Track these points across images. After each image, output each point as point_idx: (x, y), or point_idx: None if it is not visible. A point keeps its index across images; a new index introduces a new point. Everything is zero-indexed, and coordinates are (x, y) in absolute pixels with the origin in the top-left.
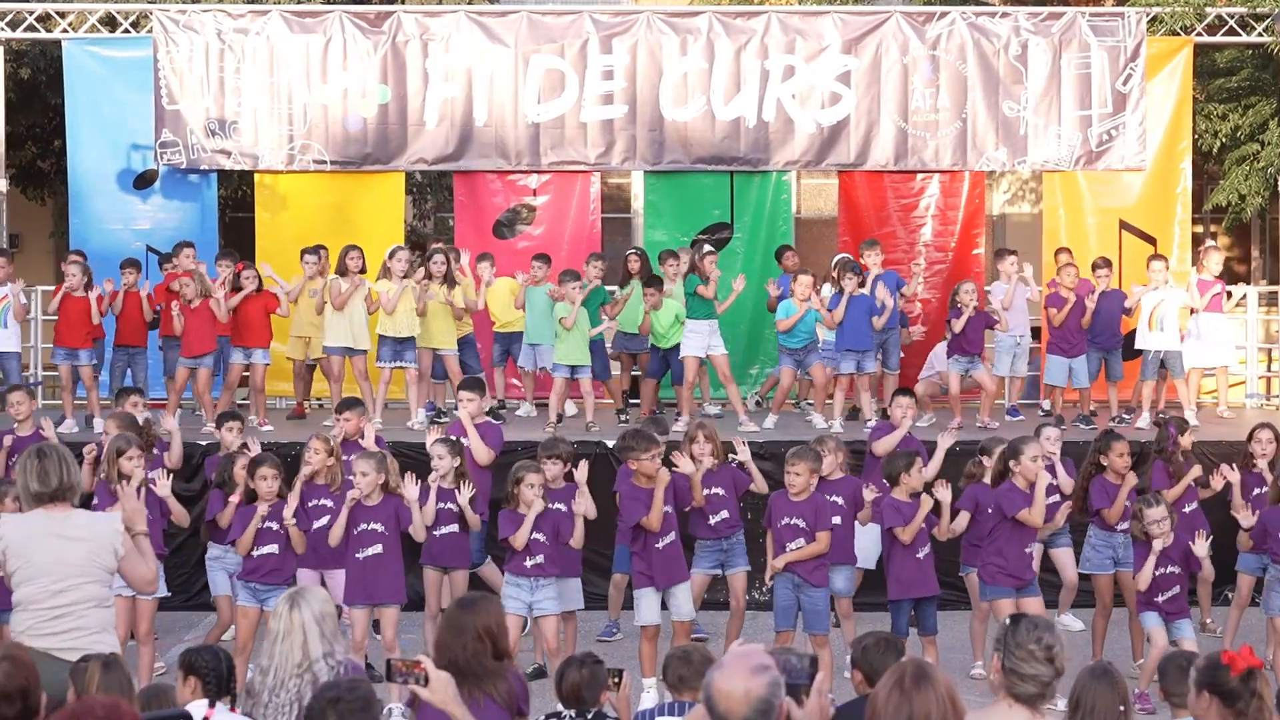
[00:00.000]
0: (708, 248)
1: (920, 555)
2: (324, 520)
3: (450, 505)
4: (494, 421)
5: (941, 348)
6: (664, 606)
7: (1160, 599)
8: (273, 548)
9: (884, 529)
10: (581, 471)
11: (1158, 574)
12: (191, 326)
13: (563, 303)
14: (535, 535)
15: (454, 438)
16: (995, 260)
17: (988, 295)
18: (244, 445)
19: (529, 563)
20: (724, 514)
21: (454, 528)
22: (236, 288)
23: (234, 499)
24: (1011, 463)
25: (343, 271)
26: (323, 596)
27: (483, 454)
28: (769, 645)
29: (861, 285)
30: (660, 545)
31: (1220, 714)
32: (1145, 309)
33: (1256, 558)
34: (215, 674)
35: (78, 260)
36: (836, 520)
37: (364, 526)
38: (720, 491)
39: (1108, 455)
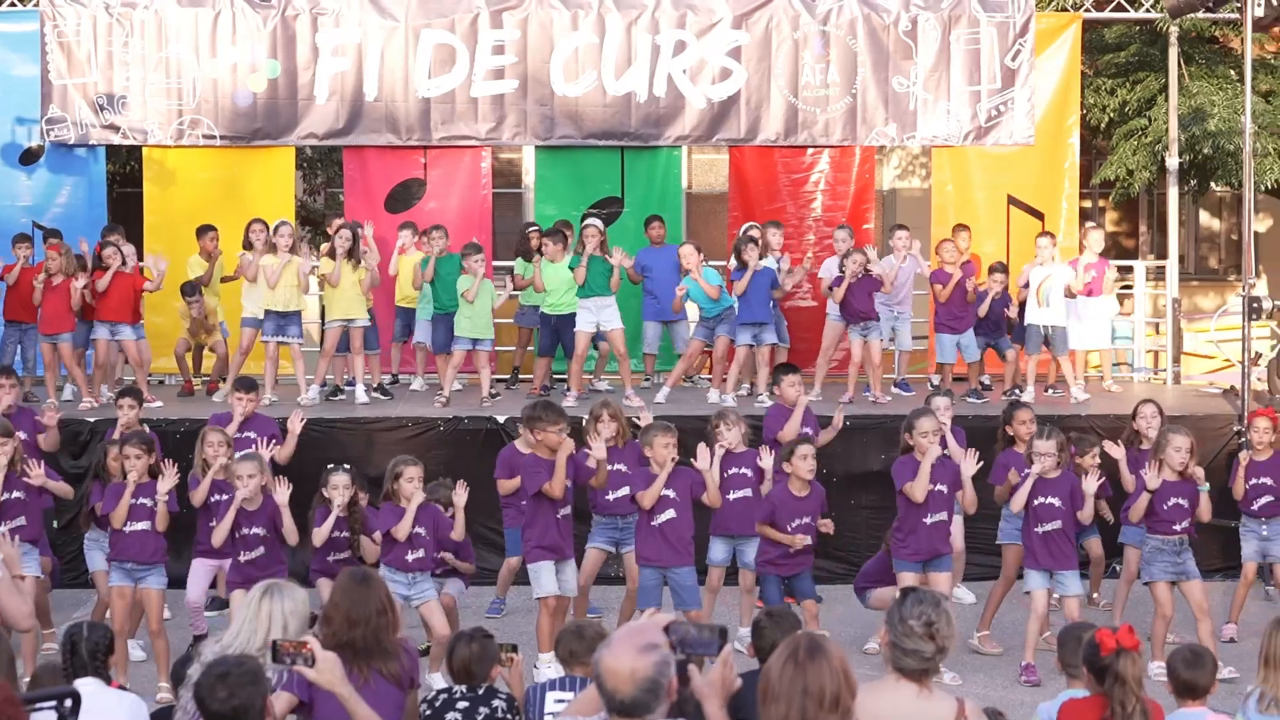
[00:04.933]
0: (589, 221)
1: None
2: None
3: (344, 534)
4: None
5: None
6: None
7: (1040, 529)
8: (145, 524)
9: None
10: (460, 496)
11: (1037, 503)
12: (48, 303)
13: (465, 276)
14: (416, 529)
15: (349, 466)
16: (887, 236)
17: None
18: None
19: (410, 556)
20: (624, 490)
21: (345, 554)
22: (102, 266)
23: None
24: (906, 435)
25: (249, 245)
26: (300, 597)
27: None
28: (676, 616)
29: (762, 256)
30: (560, 516)
31: (1094, 689)
32: (1033, 284)
33: (1140, 529)
34: (66, 652)
35: None
36: (747, 492)
37: (245, 531)
38: (623, 468)
39: (1012, 424)
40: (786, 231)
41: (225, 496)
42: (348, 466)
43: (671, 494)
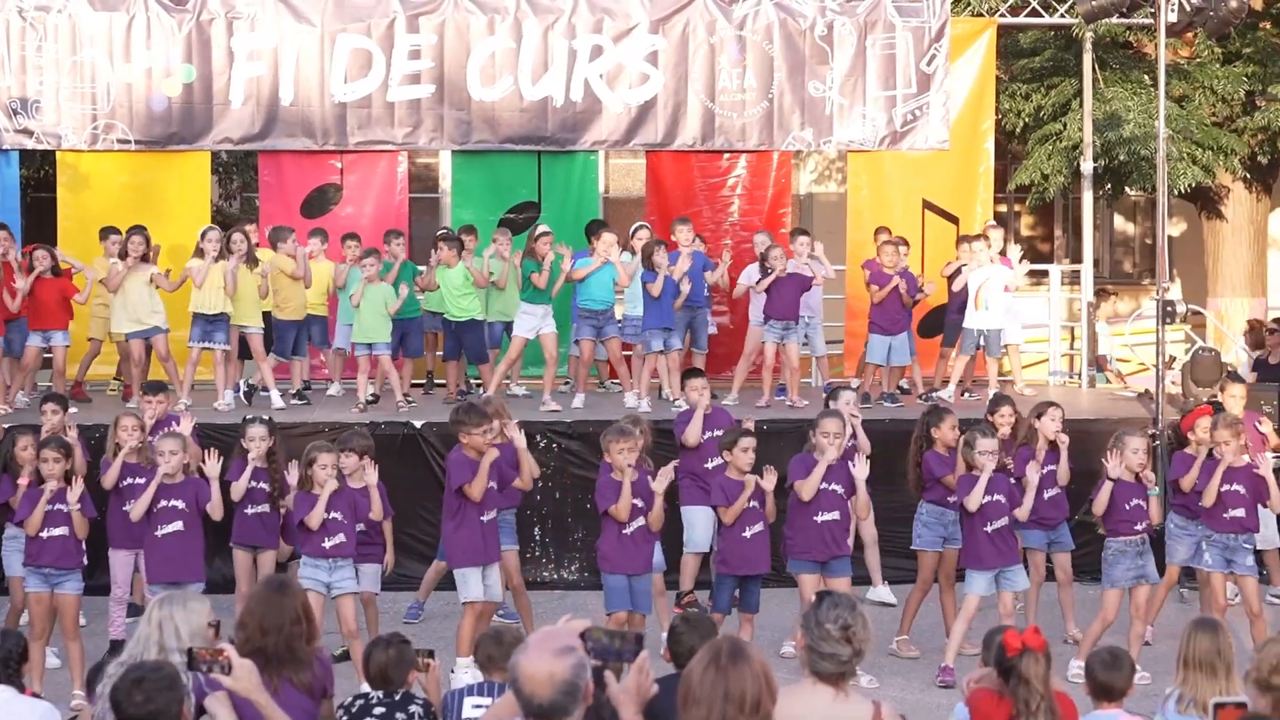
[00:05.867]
0: (542, 228)
1: (748, 534)
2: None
3: (262, 484)
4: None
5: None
6: None
7: (989, 528)
8: (63, 530)
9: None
10: (371, 475)
11: (986, 501)
12: None
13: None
14: (333, 515)
15: (267, 417)
16: (790, 240)
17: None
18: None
19: (327, 543)
20: (492, 485)
21: (264, 508)
22: (29, 269)
23: (22, 481)
24: (811, 433)
25: (124, 255)
26: (196, 607)
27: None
28: (592, 621)
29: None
30: (484, 519)
31: (1003, 690)
32: (972, 288)
33: (1041, 533)
34: None
35: None
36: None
37: (164, 503)
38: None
39: (939, 428)
40: (703, 235)
41: (140, 480)
42: (266, 418)
43: (639, 502)
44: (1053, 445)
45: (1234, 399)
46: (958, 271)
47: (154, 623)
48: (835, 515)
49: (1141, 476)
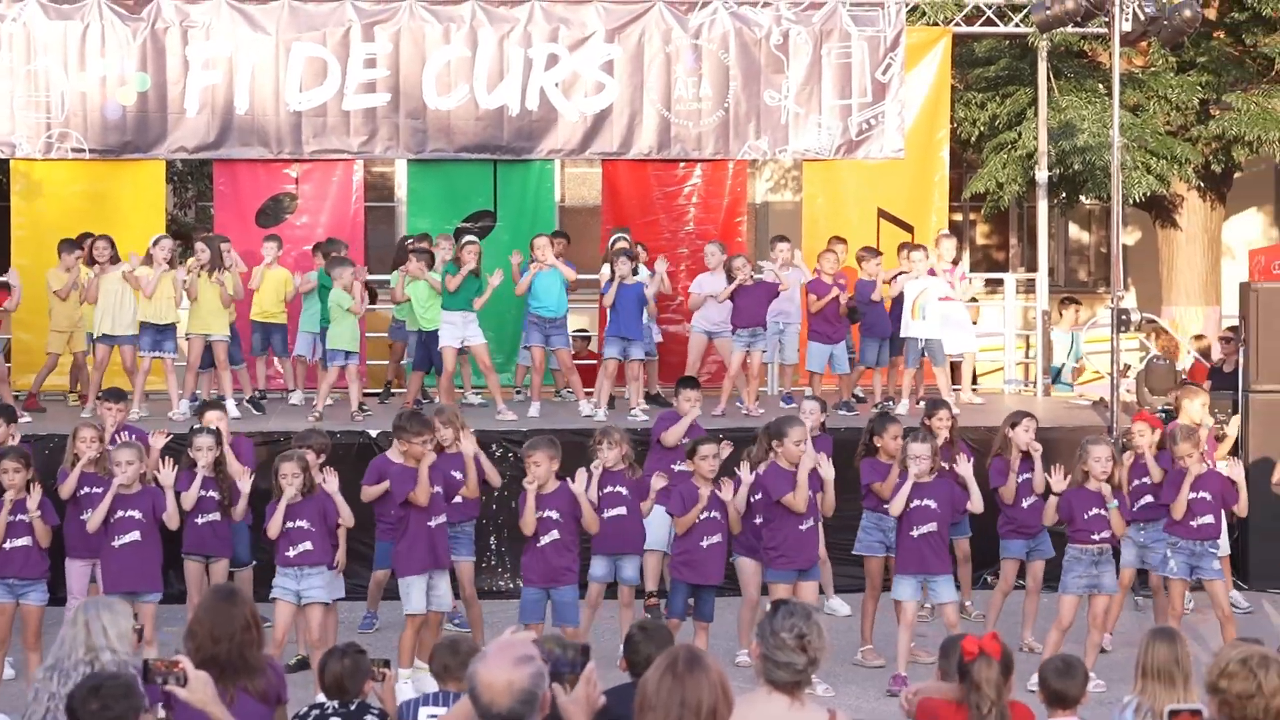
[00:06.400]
0: (469, 237)
1: (704, 544)
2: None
3: (212, 493)
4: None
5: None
6: None
7: (915, 532)
8: (26, 540)
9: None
10: (332, 483)
11: (913, 505)
12: None
13: (340, 290)
14: (300, 523)
15: (214, 428)
16: (769, 248)
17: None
18: None
19: (291, 552)
20: (457, 499)
21: (215, 516)
22: None
23: None
24: (775, 443)
25: (91, 262)
26: (122, 610)
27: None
28: (540, 634)
29: (635, 272)
30: (432, 525)
31: (960, 696)
32: (908, 298)
33: (1022, 542)
34: None
35: None
36: (622, 510)
37: (121, 514)
38: (457, 475)
39: (881, 437)
40: (660, 244)
41: (98, 489)
42: (213, 429)
43: (554, 514)
44: (1026, 454)
45: (1203, 407)
46: (894, 279)
47: (79, 624)
48: (811, 521)
49: (1101, 488)
